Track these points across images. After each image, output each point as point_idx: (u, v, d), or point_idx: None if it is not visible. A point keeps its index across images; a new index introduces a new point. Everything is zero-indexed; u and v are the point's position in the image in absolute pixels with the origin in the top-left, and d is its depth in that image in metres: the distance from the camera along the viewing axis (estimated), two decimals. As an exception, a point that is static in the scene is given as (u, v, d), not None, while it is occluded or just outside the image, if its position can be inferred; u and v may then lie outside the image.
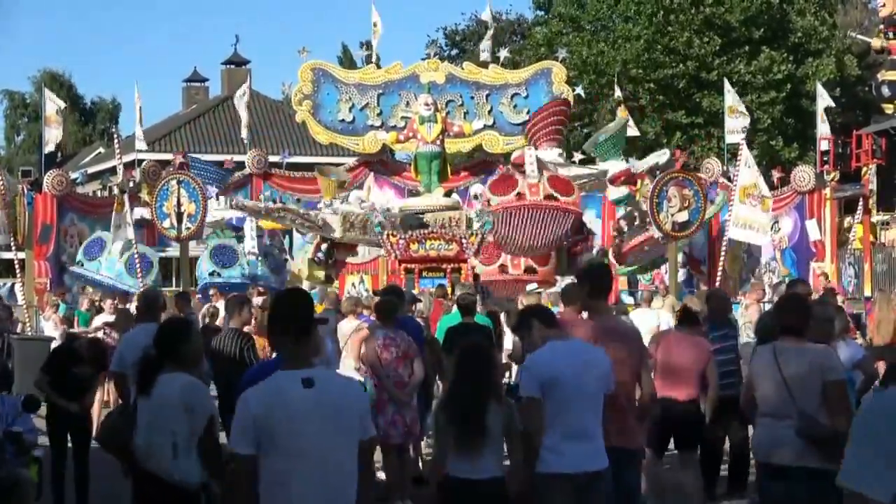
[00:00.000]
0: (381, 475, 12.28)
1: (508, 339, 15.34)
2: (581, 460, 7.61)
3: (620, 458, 8.12)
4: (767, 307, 17.67)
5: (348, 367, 14.06)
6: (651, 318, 18.68)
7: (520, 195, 24.09)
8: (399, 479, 12.01)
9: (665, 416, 10.30)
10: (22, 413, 8.38)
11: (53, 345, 17.66)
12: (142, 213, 27.05)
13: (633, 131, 35.06)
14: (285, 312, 5.94)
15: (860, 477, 5.61)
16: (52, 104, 30.81)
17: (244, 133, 34.59)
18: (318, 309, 15.98)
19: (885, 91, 37.63)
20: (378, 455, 11.75)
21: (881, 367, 11.51)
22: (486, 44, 33.54)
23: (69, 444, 11.90)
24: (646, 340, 14.43)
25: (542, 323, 7.94)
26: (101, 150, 64.68)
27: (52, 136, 30.34)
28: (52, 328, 21.67)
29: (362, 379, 12.31)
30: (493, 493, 7.64)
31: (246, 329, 12.16)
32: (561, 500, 7.58)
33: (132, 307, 18.04)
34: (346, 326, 14.92)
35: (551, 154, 27.68)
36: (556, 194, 24.27)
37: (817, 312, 8.79)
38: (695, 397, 10.84)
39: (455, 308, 14.87)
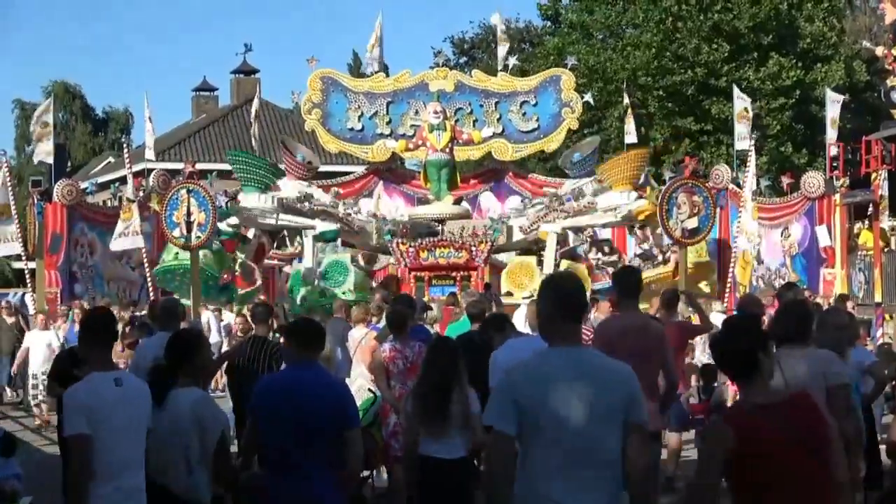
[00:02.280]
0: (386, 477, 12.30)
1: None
2: None
3: None
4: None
5: (359, 375, 14.07)
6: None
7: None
8: (399, 490, 11.89)
9: None
10: (1, 460, 8.31)
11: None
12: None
13: (631, 138, 35.11)
14: (96, 326, 7.16)
15: None
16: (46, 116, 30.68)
17: (254, 143, 34.52)
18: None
19: (895, 97, 37.56)
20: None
21: None
22: (501, 51, 33.56)
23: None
24: None
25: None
26: (111, 159, 64.72)
27: (44, 149, 30.14)
28: (59, 336, 21.73)
29: (373, 388, 12.31)
30: (462, 472, 8.67)
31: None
32: None
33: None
34: (357, 334, 14.92)
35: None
36: None
37: (830, 320, 8.81)
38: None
39: (464, 316, 14.85)
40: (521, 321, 14.34)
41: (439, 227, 26.94)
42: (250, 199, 27.08)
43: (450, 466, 8.75)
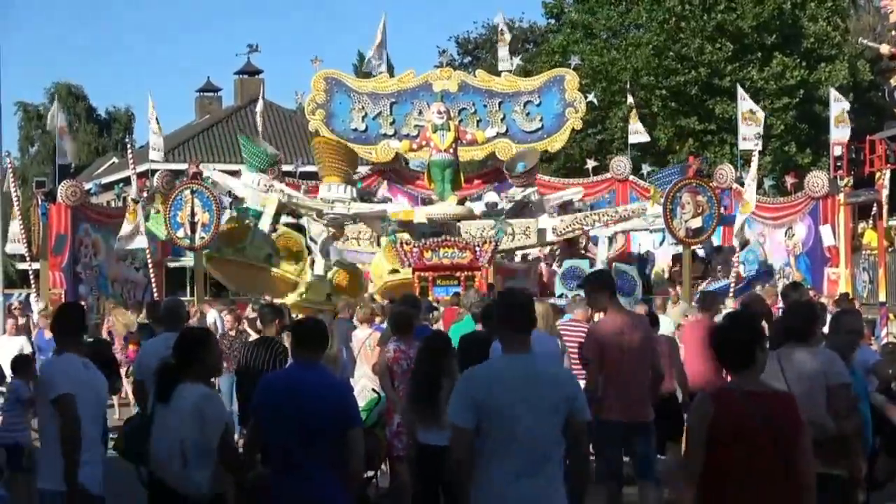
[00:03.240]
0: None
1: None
2: None
3: (635, 430, 10.03)
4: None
5: (363, 375, 14.07)
6: (664, 324, 18.66)
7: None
8: (402, 489, 11.84)
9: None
10: None
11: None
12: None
13: (641, 137, 35.07)
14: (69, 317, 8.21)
15: None
16: (60, 118, 30.87)
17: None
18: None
19: (899, 96, 37.57)
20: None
21: None
22: (503, 53, 33.56)
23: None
24: None
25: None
26: (115, 160, 64.75)
27: (69, 148, 30.42)
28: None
29: (377, 388, 12.30)
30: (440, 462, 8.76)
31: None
32: None
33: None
34: (361, 334, 14.91)
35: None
36: None
37: (844, 322, 8.83)
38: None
39: (467, 315, 14.78)
40: None
41: (458, 227, 26.96)
42: (247, 177, 28.00)
43: (445, 452, 8.48)
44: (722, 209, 25.99)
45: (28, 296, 28.88)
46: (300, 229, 28.61)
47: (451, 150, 28.98)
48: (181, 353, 7.70)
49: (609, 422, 9.87)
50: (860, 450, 7.99)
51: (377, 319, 15.62)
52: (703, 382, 11.08)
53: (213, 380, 8.51)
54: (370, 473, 11.58)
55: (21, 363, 12.10)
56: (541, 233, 27.68)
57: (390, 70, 33.01)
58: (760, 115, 31.93)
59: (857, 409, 8.10)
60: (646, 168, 33.31)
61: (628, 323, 10.28)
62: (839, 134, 31.43)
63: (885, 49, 32.92)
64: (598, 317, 15.04)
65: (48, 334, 17.95)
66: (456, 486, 6.50)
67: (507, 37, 34.28)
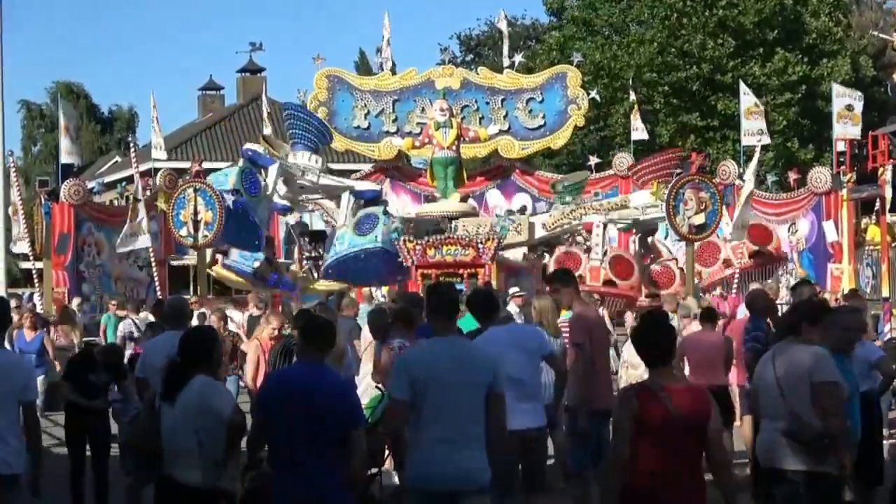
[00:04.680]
0: (396, 479, 12.28)
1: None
2: (525, 418, 9.31)
3: (599, 418, 10.15)
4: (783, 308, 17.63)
5: (367, 373, 14.06)
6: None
7: (580, 278, 23.83)
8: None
9: None
10: None
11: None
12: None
13: (641, 135, 35.06)
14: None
15: None
16: (66, 117, 30.94)
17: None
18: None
19: (902, 92, 37.59)
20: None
21: None
22: (505, 50, 33.56)
23: (87, 453, 12.00)
24: None
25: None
26: (118, 159, 64.75)
27: (73, 147, 30.46)
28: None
29: (381, 385, 12.29)
30: None
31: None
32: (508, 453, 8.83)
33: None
34: (368, 333, 14.88)
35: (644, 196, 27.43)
36: (615, 279, 24.40)
37: (838, 320, 8.84)
38: (722, 383, 12.41)
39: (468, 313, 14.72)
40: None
41: (452, 225, 26.88)
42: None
43: None
44: (724, 206, 25.98)
45: (32, 295, 28.91)
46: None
47: (454, 148, 28.98)
48: (191, 353, 7.72)
49: (600, 411, 10.04)
50: (846, 448, 7.95)
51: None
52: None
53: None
54: (374, 471, 11.58)
55: None
56: (531, 227, 27.68)
57: (392, 68, 33.01)
58: (761, 108, 31.92)
59: (843, 407, 8.07)
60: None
61: (599, 314, 11.35)
62: (843, 130, 31.43)
63: (896, 36, 32.98)
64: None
65: (28, 335, 18.05)
66: (395, 451, 7.40)
67: (506, 48, 34.24)
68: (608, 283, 24.48)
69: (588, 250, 26.13)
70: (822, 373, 7.83)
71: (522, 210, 29.67)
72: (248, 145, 27.25)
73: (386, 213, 25.49)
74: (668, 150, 30.17)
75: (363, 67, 55.31)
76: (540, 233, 28.16)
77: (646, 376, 13.82)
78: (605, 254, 25.18)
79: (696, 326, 18.87)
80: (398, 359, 7.82)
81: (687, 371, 13.35)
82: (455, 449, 7.34)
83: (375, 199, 26.91)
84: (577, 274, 24.00)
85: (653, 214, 26.47)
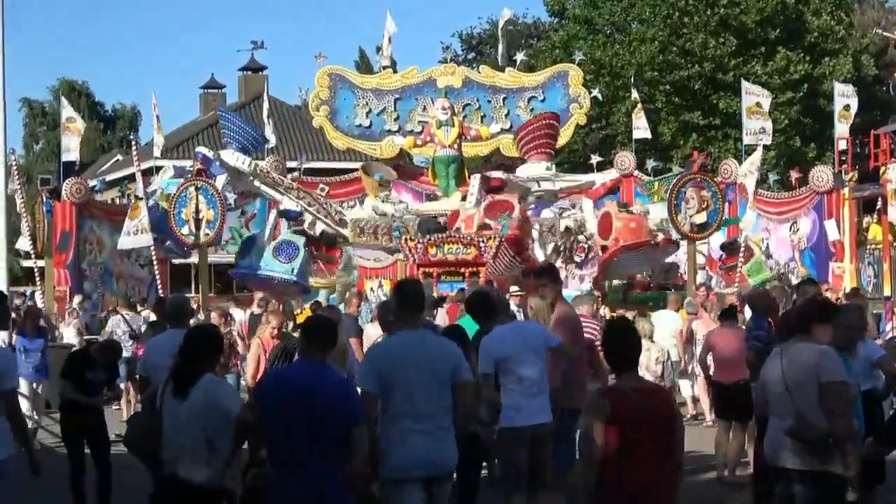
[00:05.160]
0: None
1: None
2: (533, 415, 9.61)
3: (571, 415, 10.27)
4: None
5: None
6: (674, 321, 18.71)
7: (458, 230, 24.17)
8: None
9: (722, 395, 13.44)
10: None
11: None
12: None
13: (643, 133, 35.04)
14: None
15: None
16: (68, 113, 30.93)
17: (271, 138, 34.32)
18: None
19: (903, 90, 37.64)
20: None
21: None
22: (500, 49, 33.57)
23: (86, 452, 12.00)
24: (670, 341, 15.69)
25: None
26: (120, 157, 64.74)
27: (73, 144, 30.45)
28: (72, 335, 21.72)
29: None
30: (470, 446, 9.29)
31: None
32: (520, 451, 9.58)
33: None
34: (373, 332, 14.88)
35: (538, 168, 27.63)
36: (489, 221, 24.14)
37: (841, 319, 8.83)
38: (744, 379, 12.40)
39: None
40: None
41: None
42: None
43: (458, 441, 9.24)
44: (726, 204, 25.96)
45: (33, 293, 28.91)
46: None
47: (456, 146, 28.98)
48: (190, 350, 7.72)
49: (577, 410, 9.92)
50: (852, 450, 7.91)
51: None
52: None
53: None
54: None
55: None
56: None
57: (392, 66, 33.00)
58: (766, 101, 31.83)
59: (850, 408, 8.04)
60: (650, 163, 33.25)
61: (576, 314, 11.50)
62: (844, 128, 31.43)
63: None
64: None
65: (31, 334, 17.97)
66: (370, 440, 7.60)
67: (500, 47, 34.20)
68: (483, 227, 24.26)
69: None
70: (831, 372, 7.80)
71: None
72: (200, 148, 27.40)
73: (306, 247, 25.20)
74: (542, 115, 29.92)
75: (364, 67, 55.30)
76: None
77: (646, 374, 13.98)
78: (477, 202, 24.98)
79: (695, 324, 19.08)
80: (368, 353, 8.24)
81: (712, 368, 13.93)
82: (427, 438, 7.74)
83: (296, 217, 26.81)
84: (456, 226, 24.31)
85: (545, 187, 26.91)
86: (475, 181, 25.47)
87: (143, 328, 21.21)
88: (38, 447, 15.43)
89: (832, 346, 8.17)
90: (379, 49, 32.88)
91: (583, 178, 29.96)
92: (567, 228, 25.72)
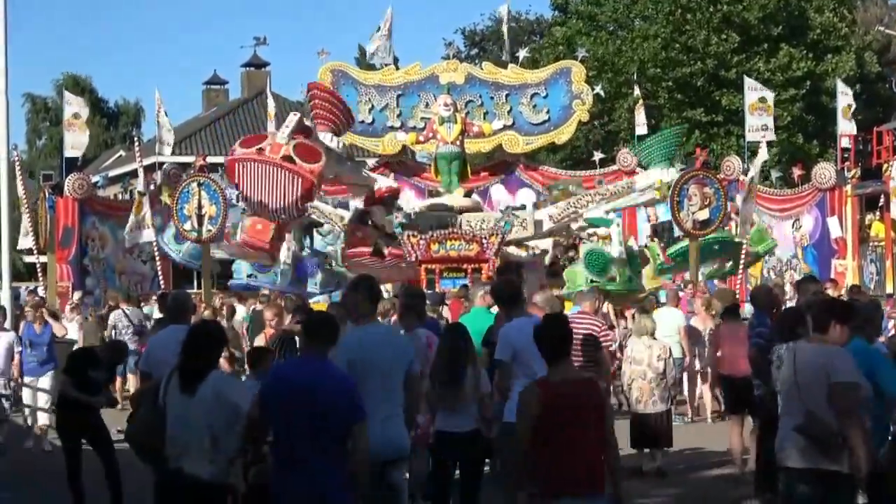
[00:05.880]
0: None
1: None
2: None
3: None
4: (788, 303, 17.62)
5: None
6: (676, 317, 18.71)
7: (260, 150, 21.55)
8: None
9: (732, 391, 13.49)
10: None
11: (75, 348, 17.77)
12: None
13: (645, 130, 35.03)
14: None
15: None
16: (73, 108, 30.91)
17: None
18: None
19: (906, 87, 37.61)
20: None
21: None
22: (506, 45, 33.55)
23: (87, 451, 12.00)
24: (672, 338, 15.69)
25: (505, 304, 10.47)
26: (122, 153, 64.74)
27: (78, 140, 30.45)
28: (74, 331, 21.72)
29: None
30: (472, 443, 9.79)
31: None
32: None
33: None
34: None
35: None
36: (295, 158, 22.78)
37: (864, 314, 8.85)
38: (748, 374, 12.36)
39: (472, 308, 14.64)
40: None
41: (458, 219, 26.75)
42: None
43: (461, 439, 9.80)
44: (729, 201, 25.92)
45: (35, 289, 28.92)
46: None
47: (458, 143, 28.92)
48: (192, 346, 7.71)
49: None
50: (863, 450, 7.81)
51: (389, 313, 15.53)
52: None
53: None
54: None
55: None
56: (538, 224, 27.60)
57: (395, 62, 33.00)
58: (770, 96, 31.79)
59: (860, 409, 7.97)
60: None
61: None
62: (847, 126, 31.38)
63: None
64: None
65: (37, 327, 17.92)
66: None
67: (506, 45, 34.19)
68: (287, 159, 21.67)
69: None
70: (841, 373, 7.73)
71: (523, 207, 29.49)
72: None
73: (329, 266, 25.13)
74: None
75: (363, 64, 55.28)
76: (547, 225, 28.06)
77: (648, 371, 13.98)
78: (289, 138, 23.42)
79: (693, 320, 19.17)
80: (339, 345, 8.41)
81: (725, 363, 13.95)
82: (385, 423, 8.20)
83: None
84: (257, 147, 22.48)
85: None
86: (293, 118, 23.83)
87: (144, 321, 21.28)
88: (50, 448, 15.45)
89: (861, 340, 8.16)
90: (381, 38, 32.65)
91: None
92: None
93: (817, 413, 7.72)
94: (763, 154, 27.11)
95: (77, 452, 11.87)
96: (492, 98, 32.02)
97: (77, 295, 25.46)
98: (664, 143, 26.38)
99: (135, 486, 11.11)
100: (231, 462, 7.63)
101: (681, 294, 21.44)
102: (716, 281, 26.04)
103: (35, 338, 17.51)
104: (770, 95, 31.91)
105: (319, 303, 20.66)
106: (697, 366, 18.88)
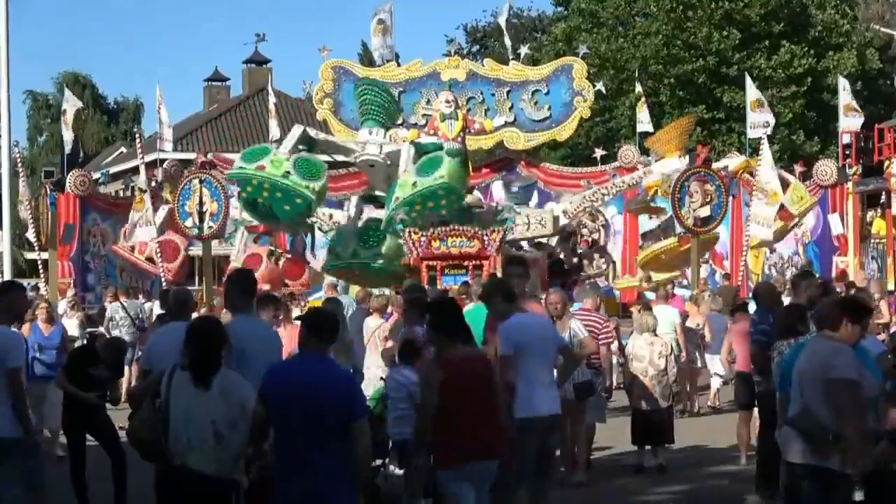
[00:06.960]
0: (398, 471, 12.30)
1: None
2: (546, 405, 9.76)
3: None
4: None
5: (372, 364, 14.07)
6: (671, 314, 18.72)
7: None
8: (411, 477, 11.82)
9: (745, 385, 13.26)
10: None
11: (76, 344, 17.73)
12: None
13: (647, 127, 35.02)
14: None
15: None
16: (72, 105, 30.92)
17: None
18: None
19: (908, 84, 37.61)
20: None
21: None
22: (507, 43, 33.55)
23: (92, 446, 12.01)
24: (669, 334, 15.70)
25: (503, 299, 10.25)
26: (124, 149, 64.76)
27: (67, 136, 30.46)
28: (74, 327, 21.70)
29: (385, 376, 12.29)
30: None
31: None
32: (532, 440, 9.70)
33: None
34: (373, 323, 14.89)
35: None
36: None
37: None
38: None
39: (472, 304, 14.59)
40: None
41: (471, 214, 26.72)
42: (363, 134, 25.66)
43: None
44: (730, 198, 25.91)
45: (37, 285, 28.94)
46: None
47: (459, 139, 28.91)
48: (208, 345, 7.68)
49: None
50: (860, 448, 7.76)
51: (389, 309, 15.54)
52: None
53: None
54: (378, 462, 11.59)
55: None
56: (556, 220, 27.57)
57: (396, 59, 32.98)
58: (765, 100, 31.79)
59: (855, 406, 7.91)
60: (654, 157, 33.21)
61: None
62: (848, 123, 31.35)
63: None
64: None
65: (45, 328, 17.67)
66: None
67: (506, 24, 34.16)
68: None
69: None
70: (840, 370, 7.64)
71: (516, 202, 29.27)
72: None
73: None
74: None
75: (367, 60, 55.28)
76: (563, 221, 28.04)
77: (649, 368, 13.98)
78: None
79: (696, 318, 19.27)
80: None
81: (739, 359, 13.98)
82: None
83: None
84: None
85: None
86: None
87: (140, 313, 21.32)
88: (63, 454, 15.43)
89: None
90: (380, 32, 32.59)
91: None
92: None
93: (812, 408, 7.71)
94: (767, 154, 27.07)
95: (81, 447, 11.89)
96: (493, 95, 32.01)
97: (70, 293, 25.34)
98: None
99: (136, 485, 11.11)
100: (236, 459, 7.63)
101: (676, 292, 21.51)
102: (717, 277, 26.07)
103: (43, 340, 16.67)
104: (764, 99, 31.91)
105: (317, 301, 20.62)
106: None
